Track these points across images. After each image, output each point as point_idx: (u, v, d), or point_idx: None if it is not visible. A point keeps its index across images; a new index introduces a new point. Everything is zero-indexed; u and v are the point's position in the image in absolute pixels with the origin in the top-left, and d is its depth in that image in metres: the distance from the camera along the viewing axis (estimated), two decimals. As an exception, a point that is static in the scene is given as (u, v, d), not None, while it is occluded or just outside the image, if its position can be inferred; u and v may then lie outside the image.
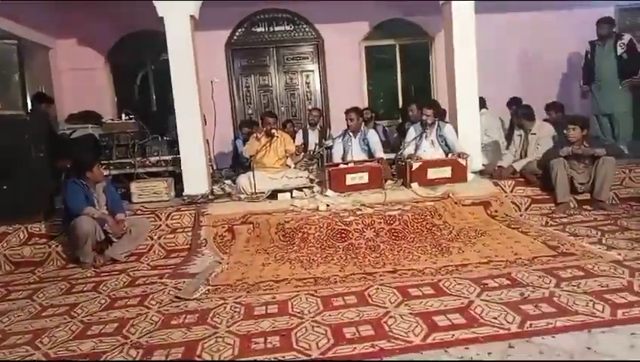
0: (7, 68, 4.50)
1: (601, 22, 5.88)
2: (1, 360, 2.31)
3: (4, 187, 4.36)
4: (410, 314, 2.45)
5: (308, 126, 6.75)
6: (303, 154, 5.24)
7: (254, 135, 5.29)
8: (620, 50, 5.76)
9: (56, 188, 4.79)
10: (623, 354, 1.93)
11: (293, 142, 5.68)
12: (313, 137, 6.39)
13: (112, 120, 6.08)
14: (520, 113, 5.12)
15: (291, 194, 4.78)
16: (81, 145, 5.59)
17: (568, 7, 7.50)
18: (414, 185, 4.74)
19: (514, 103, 6.40)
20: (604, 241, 3.50)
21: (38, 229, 4.34)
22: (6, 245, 4.23)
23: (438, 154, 5.12)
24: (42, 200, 4.51)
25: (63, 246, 4.21)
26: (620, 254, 3.12)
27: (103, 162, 4.69)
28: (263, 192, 4.81)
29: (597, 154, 4.45)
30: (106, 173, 4.67)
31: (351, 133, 5.47)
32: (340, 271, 3.27)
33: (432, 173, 4.80)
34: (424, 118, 5.15)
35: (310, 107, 7.60)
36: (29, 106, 5.22)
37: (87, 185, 4.04)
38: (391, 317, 2.43)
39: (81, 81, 7.37)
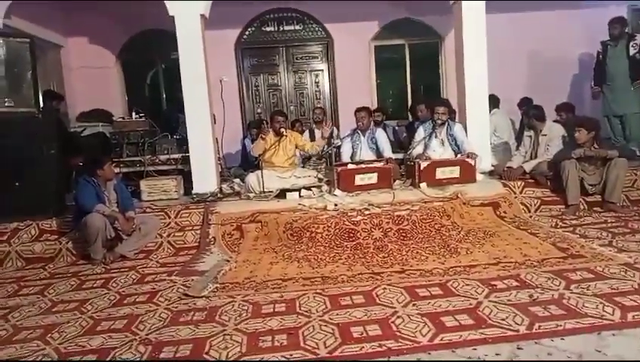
0: (20, 66, 4.54)
1: (613, 22, 5.83)
2: (10, 359, 2.33)
3: (16, 184, 4.40)
4: (418, 314, 2.44)
5: (314, 125, 6.77)
6: (325, 142, 5.23)
7: (261, 135, 5.30)
8: (632, 51, 5.71)
9: (67, 185, 4.83)
10: (632, 357, 1.91)
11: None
12: (319, 136, 6.38)
13: (123, 118, 6.13)
14: (531, 114, 5.08)
15: (300, 193, 4.79)
16: (91, 143, 5.64)
17: (580, 6, 7.44)
18: (423, 185, 4.72)
19: (525, 104, 6.36)
20: (614, 244, 3.46)
21: (49, 226, 4.38)
22: (17, 241, 4.28)
23: (447, 153, 5.10)
24: (53, 198, 4.55)
25: (73, 242, 4.24)
26: (630, 257, 3.09)
27: (113, 160, 4.72)
28: (272, 191, 4.82)
29: (609, 156, 4.41)
30: (116, 170, 4.70)
31: (360, 132, 5.47)
32: (348, 270, 3.27)
33: (441, 173, 4.78)
34: (437, 116, 5.10)
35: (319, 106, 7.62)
36: (41, 104, 5.28)
37: (99, 183, 4.07)
38: (398, 317, 2.43)
39: (91, 80, 7.44)
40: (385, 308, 2.56)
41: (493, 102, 5.99)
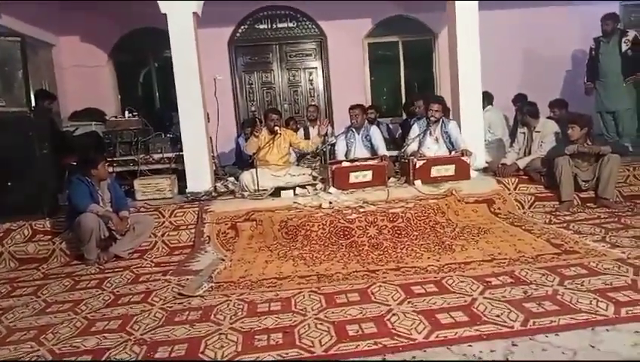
0: (11, 65, 4.50)
1: (605, 18, 5.85)
2: (4, 361, 2.32)
3: (9, 184, 4.37)
4: (413, 311, 2.45)
5: (308, 123, 6.76)
6: (321, 140, 5.24)
7: (254, 132, 5.29)
8: (624, 47, 5.73)
9: (60, 185, 4.80)
10: (626, 352, 1.93)
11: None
12: (314, 134, 6.39)
13: (116, 117, 6.09)
14: (525, 110, 5.08)
15: (294, 191, 4.78)
16: (84, 142, 5.61)
17: (573, 3, 7.47)
18: (417, 182, 4.73)
19: (519, 100, 6.37)
20: (608, 239, 3.48)
21: (42, 226, 4.35)
22: (10, 242, 4.25)
23: (441, 151, 5.11)
24: (46, 198, 4.51)
25: (67, 243, 4.22)
26: (624, 252, 3.11)
27: (107, 159, 4.69)
28: (266, 189, 4.81)
29: (602, 152, 4.43)
30: (109, 170, 4.68)
31: (354, 130, 5.46)
32: (343, 268, 3.27)
33: (436, 171, 4.78)
34: (431, 113, 5.10)
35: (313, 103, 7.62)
36: (33, 103, 5.24)
37: (92, 183, 4.04)
38: (394, 314, 2.43)
39: (84, 79, 7.41)
40: (380, 305, 2.57)
41: (487, 98, 6.01)
